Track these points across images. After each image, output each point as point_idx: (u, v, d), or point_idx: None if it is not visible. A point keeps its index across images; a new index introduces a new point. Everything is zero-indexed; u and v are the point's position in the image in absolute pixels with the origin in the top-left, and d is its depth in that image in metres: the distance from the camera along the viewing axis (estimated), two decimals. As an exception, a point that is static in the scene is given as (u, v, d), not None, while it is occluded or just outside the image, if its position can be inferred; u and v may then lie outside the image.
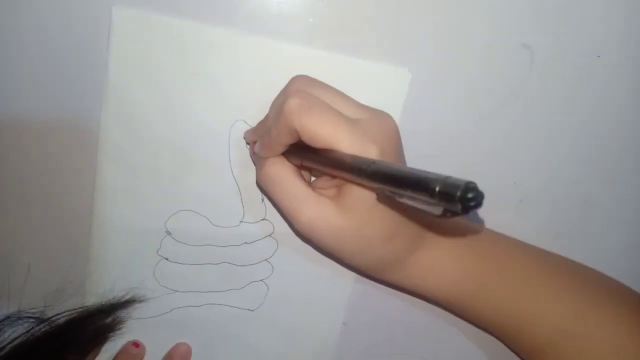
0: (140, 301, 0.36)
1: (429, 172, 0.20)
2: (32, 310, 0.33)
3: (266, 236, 0.36)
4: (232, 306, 0.37)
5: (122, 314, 0.35)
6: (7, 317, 0.33)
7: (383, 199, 0.27)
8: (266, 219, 0.35)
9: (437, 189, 0.19)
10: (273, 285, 0.37)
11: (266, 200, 0.35)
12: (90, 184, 0.34)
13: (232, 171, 0.34)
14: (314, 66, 0.32)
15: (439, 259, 0.31)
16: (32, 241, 0.35)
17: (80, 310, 0.34)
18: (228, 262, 0.36)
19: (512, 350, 0.36)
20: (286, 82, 0.32)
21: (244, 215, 0.35)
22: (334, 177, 0.29)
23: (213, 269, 0.36)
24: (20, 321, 0.33)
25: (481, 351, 0.40)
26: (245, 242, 0.36)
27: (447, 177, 0.19)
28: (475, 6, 0.33)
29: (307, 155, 0.28)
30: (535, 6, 0.33)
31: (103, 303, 0.35)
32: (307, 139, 0.27)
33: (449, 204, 0.19)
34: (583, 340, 0.32)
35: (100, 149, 0.33)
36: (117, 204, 0.34)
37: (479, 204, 0.18)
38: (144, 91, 0.32)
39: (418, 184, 0.20)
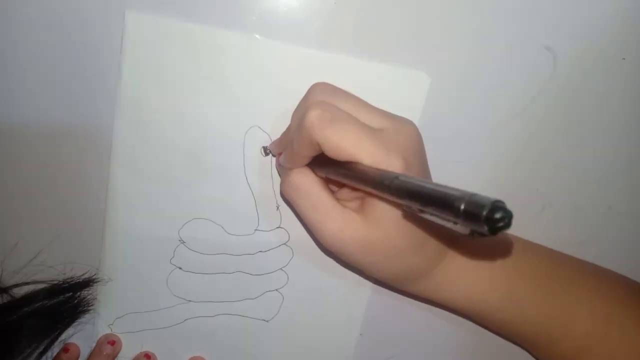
0: (97, 281, 0.35)
1: (453, 189, 0.19)
2: None
3: (281, 244, 0.35)
4: (246, 316, 0.36)
5: (84, 293, 0.34)
6: None
7: (407, 214, 0.26)
8: (281, 227, 0.34)
9: (462, 207, 0.18)
10: (288, 294, 0.36)
11: (281, 208, 0.34)
12: (103, 190, 0.33)
13: (246, 178, 0.33)
14: (330, 70, 0.32)
15: (465, 270, 0.31)
16: (45, 247, 0.34)
17: (39, 283, 0.33)
18: (242, 271, 0.35)
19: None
20: (301, 86, 0.31)
21: (258, 223, 0.34)
22: (356, 189, 0.28)
23: (227, 278, 0.35)
24: None
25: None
26: (260, 251, 0.35)
27: (473, 195, 0.18)
28: (495, 8, 0.32)
29: (330, 168, 0.27)
30: (557, 8, 0.32)
31: (63, 280, 0.34)
32: (329, 151, 0.26)
33: (474, 224, 0.18)
34: (616, 343, 0.31)
35: (113, 154, 0.32)
36: (130, 211, 0.33)
37: (507, 225, 0.17)
38: (157, 96, 0.31)
39: (442, 201, 0.19)
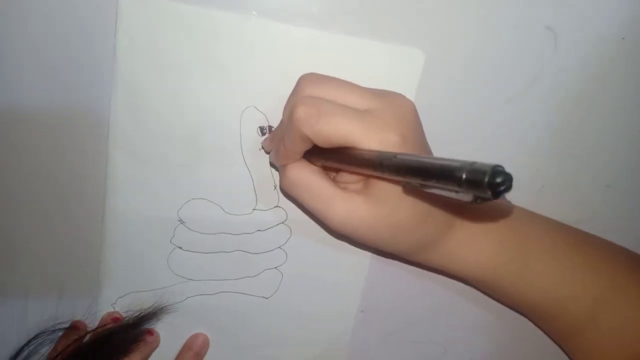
0: (168, 312, 0.36)
1: (453, 160, 0.20)
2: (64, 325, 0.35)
3: (279, 223, 0.35)
4: (246, 294, 0.37)
5: (150, 324, 0.36)
6: (43, 332, 0.34)
7: (409, 189, 0.26)
8: (279, 206, 0.35)
9: (464, 176, 0.18)
10: (287, 272, 0.37)
11: (279, 188, 0.34)
12: (101, 174, 0.33)
13: (244, 158, 0.34)
14: (325, 49, 0.31)
15: (473, 237, 0.31)
16: (44, 232, 0.35)
17: (111, 325, 0.35)
18: (242, 250, 0.36)
19: (547, 332, 0.36)
20: (295, 64, 0.31)
21: (256, 203, 0.35)
22: (357, 174, 0.28)
23: (227, 257, 0.36)
24: (54, 334, 0.35)
25: (501, 338, 0.39)
26: (259, 230, 0.35)
27: (473, 163, 0.18)
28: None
29: (327, 156, 0.27)
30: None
31: (132, 317, 0.35)
32: (322, 144, 0.26)
33: (477, 190, 0.18)
34: (624, 310, 0.32)
35: (111, 138, 0.32)
36: (129, 193, 0.34)
37: (508, 187, 0.18)
38: (153, 78, 0.31)
39: (443, 173, 0.20)
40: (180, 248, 0.35)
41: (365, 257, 0.37)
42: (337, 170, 0.30)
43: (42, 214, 0.35)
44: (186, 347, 0.37)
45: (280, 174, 0.30)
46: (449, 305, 0.38)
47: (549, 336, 0.37)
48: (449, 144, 0.34)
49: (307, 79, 0.28)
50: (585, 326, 0.33)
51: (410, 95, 0.33)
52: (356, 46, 0.32)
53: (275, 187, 0.34)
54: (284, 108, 0.30)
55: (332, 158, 0.27)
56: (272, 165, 0.34)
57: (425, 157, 0.21)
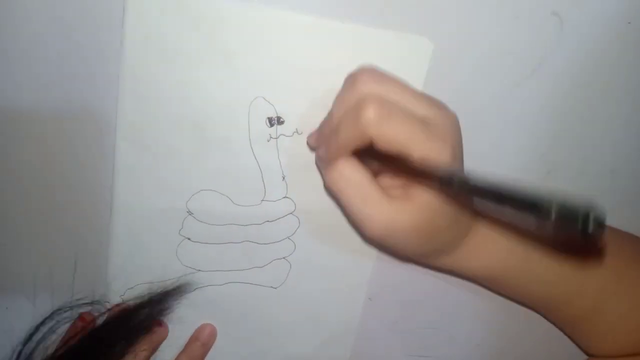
0: (191, 289, 0.36)
1: (537, 192, 0.19)
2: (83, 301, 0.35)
3: (288, 214, 0.35)
4: (255, 284, 0.37)
5: (172, 301, 0.36)
6: (59, 309, 0.35)
7: (445, 192, 0.27)
8: (287, 197, 0.35)
9: (553, 215, 0.17)
10: (295, 262, 0.37)
11: (287, 178, 0.34)
12: (109, 167, 0.33)
13: (252, 149, 0.33)
14: (332, 38, 0.31)
15: (487, 239, 0.32)
16: (52, 225, 0.35)
17: (133, 301, 0.35)
18: (250, 241, 0.36)
19: (555, 323, 0.36)
20: (303, 54, 0.31)
21: (265, 194, 0.34)
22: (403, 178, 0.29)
23: (235, 248, 0.36)
24: (71, 311, 0.35)
25: (507, 325, 0.40)
26: (267, 221, 0.35)
27: (564, 201, 0.18)
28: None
29: (383, 160, 0.28)
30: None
31: (153, 293, 0.35)
32: (381, 146, 0.26)
33: (566, 228, 0.17)
34: (628, 300, 0.33)
35: (119, 129, 0.32)
36: (137, 185, 0.33)
37: (602, 230, 0.17)
38: (160, 69, 0.31)
39: (526, 204, 0.19)
40: (189, 239, 0.35)
41: (372, 248, 0.37)
42: (377, 175, 0.30)
43: (50, 207, 0.34)
44: (194, 337, 0.38)
45: (325, 170, 0.29)
46: (455, 293, 0.38)
47: (555, 325, 0.37)
48: None
49: (369, 75, 0.27)
50: (590, 316, 0.33)
51: (419, 84, 0.33)
52: (364, 35, 0.31)
53: (284, 178, 0.34)
54: (337, 100, 0.29)
55: (387, 161, 0.27)
56: (316, 164, 0.34)
57: (502, 184, 0.21)
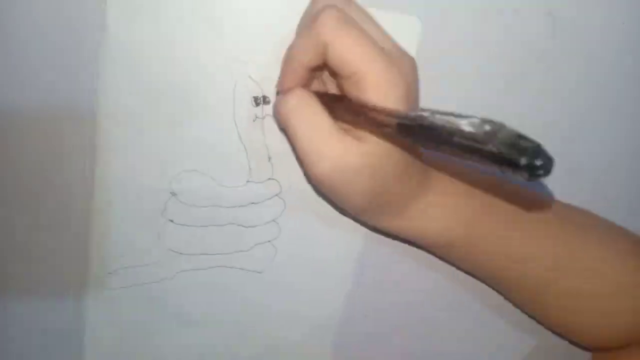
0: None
1: (465, 127, 0.18)
2: None
3: (274, 196, 0.35)
4: (239, 268, 0.36)
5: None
6: None
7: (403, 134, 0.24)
8: (273, 179, 0.34)
9: (499, 147, 0.17)
10: (281, 246, 0.36)
11: (273, 159, 0.34)
12: (90, 141, 0.32)
13: (237, 129, 0.33)
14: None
15: (437, 204, 0.30)
16: (32, 204, 0.34)
17: None
18: (234, 224, 0.35)
19: (511, 300, 0.36)
20: (293, 33, 0.30)
21: (250, 175, 0.34)
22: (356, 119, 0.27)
23: (219, 231, 0.35)
24: None
25: (498, 317, 0.40)
26: (252, 203, 0.35)
27: (513, 135, 0.17)
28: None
29: (335, 100, 0.26)
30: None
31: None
32: (334, 59, 0.25)
33: (512, 168, 0.17)
34: (581, 278, 0.32)
35: (99, 108, 0.31)
36: (120, 163, 0.33)
37: (547, 172, 0.17)
38: (145, 43, 0.30)
39: (472, 134, 0.18)
40: (172, 221, 0.34)
41: (359, 231, 0.36)
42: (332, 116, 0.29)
43: (29, 185, 0.33)
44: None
45: (277, 103, 0.28)
46: (440, 278, 0.38)
47: (512, 303, 0.37)
48: None
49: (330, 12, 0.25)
50: (545, 294, 0.33)
51: None
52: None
53: (270, 159, 0.34)
54: (300, 22, 0.28)
55: (339, 101, 0.26)
56: (279, 127, 0.32)
57: (457, 123, 0.19)
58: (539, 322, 0.37)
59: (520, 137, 0.17)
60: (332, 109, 0.27)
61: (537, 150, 0.17)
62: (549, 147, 0.35)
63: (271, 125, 0.33)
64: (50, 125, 0.32)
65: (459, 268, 0.36)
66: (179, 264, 0.36)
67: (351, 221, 0.36)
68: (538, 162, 0.16)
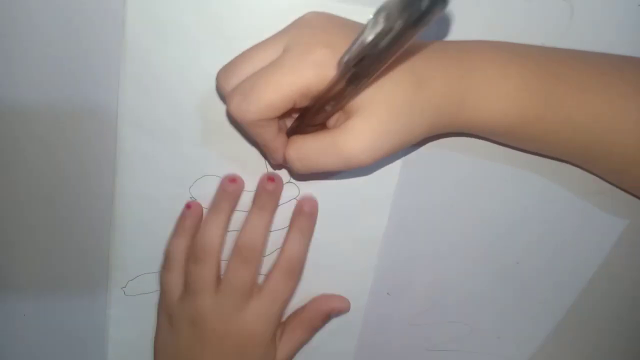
0: None
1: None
2: None
3: (292, 199, 0.35)
4: (260, 274, 0.36)
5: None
6: None
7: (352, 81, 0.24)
8: (291, 182, 0.35)
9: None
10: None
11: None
12: (111, 158, 0.33)
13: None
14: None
15: (493, 81, 0.28)
16: (54, 212, 0.34)
17: None
18: (254, 228, 0.35)
19: (598, 174, 0.33)
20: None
21: (268, 179, 0.34)
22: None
23: (239, 236, 0.35)
24: None
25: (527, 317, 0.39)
26: (271, 207, 0.35)
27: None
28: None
29: (303, 118, 0.28)
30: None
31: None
32: (273, 114, 0.26)
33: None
34: None
35: (120, 115, 0.32)
36: (139, 171, 0.33)
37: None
38: (162, 53, 0.31)
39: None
40: (192, 227, 0.35)
41: (377, 234, 0.36)
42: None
43: (52, 193, 0.34)
44: (297, 210, 0.35)
45: (289, 165, 0.29)
46: (475, 283, 0.38)
47: (602, 178, 0.34)
48: None
49: (220, 74, 0.28)
50: (637, 159, 0.29)
51: None
52: (364, 16, 0.32)
53: (287, 162, 0.34)
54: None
55: (308, 117, 0.27)
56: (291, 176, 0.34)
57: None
58: (627, 190, 0.34)
59: None
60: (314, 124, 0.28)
61: None
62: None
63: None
64: (72, 132, 0.33)
65: (536, 150, 0.33)
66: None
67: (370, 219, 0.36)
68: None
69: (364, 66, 0.22)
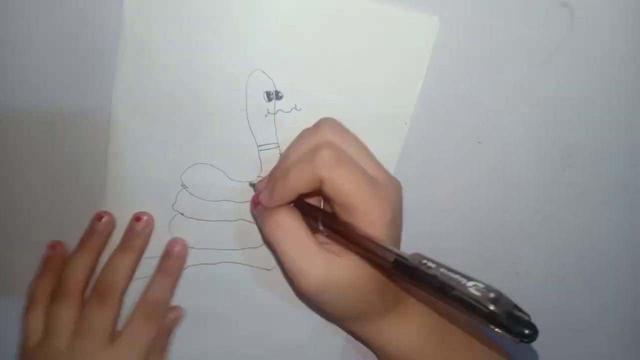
0: None
1: (472, 290, 0.22)
2: None
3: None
4: (248, 265, 0.36)
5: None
6: None
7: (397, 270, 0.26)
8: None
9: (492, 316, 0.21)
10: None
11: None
12: (104, 134, 0.33)
13: (249, 124, 0.33)
14: (338, 11, 0.31)
15: (407, 325, 0.32)
16: (46, 193, 0.35)
17: None
18: (244, 220, 0.35)
19: None
20: (307, 29, 0.31)
21: (261, 170, 0.34)
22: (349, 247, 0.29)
23: (229, 226, 0.35)
24: None
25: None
26: (263, 199, 0.34)
27: (507, 309, 0.21)
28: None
29: (326, 220, 0.29)
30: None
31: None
32: (329, 190, 0.27)
33: (501, 328, 0.21)
34: None
35: (115, 98, 0.32)
36: (132, 155, 0.33)
37: (533, 339, 0.20)
38: (160, 37, 0.31)
39: (466, 304, 0.22)
40: (182, 214, 0.35)
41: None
42: (314, 231, 0.30)
43: (42, 175, 0.34)
44: (166, 252, 0.35)
45: (265, 217, 0.30)
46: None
47: None
48: (460, 127, 0.34)
49: (330, 126, 0.29)
50: None
51: (424, 62, 0.32)
52: (370, 9, 0.31)
53: (281, 154, 0.34)
54: (295, 144, 0.30)
55: (329, 224, 0.29)
56: (251, 213, 0.34)
57: (446, 279, 0.22)
58: None
59: (516, 307, 0.21)
60: (315, 218, 0.29)
61: (528, 322, 0.20)
62: (574, 143, 0.34)
63: (282, 120, 0.33)
64: (64, 120, 0.33)
65: None
66: (188, 258, 0.36)
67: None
68: (528, 332, 0.20)
69: (418, 276, 0.24)
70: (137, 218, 0.34)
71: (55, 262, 0.34)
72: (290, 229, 0.29)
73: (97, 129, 0.33)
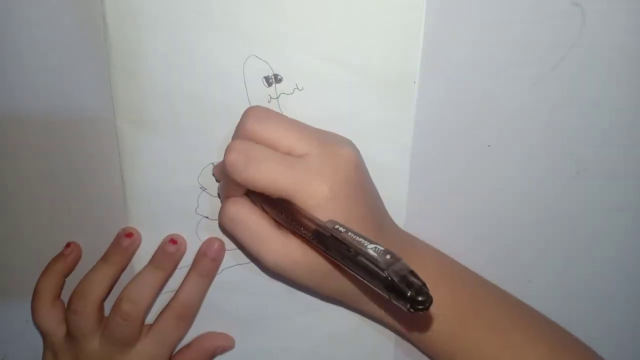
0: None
1: (371, 251, 0.21)
2: None
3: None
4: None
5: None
6: None
7: (316, 240, 0.26)
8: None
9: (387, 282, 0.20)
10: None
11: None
12: (115, 151, 0.33)
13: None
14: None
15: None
16: (68, 214, 0.35)
17: None
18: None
19: None
20: (294, 6, 0.30)
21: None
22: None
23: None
24: None
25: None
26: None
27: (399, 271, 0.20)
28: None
29: (268, 204, 0.28)
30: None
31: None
32: (253, 189, 0.27)
33: (396, 298, 0.20)
34: None
35: (117, 111, 0.32)
36: (145, 166, 0.33)
37: (425, 308, 0.19)
38: (146, 42, 0.30)
39: (367, 272, 0.21)
40: (207, 217, 0.34)
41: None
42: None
43: (64, 198, 0.35)
44: (201, 253, 0.35)
45: (220, 211, 0.30)
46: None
47: None
48: (470, 130, 0.32)
49: (252, 114, 0.28)
50: None
51: (418, 34, 0.30)
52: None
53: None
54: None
55: (271, 205, 0.28)
56: (219, 195, 0.33)
57: (356, 240, 0.22)
58: None
59: (412, 273, 0.20)
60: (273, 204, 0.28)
61: (422, 289, 0.20)
62: (587, 147, 0.32)
63: (288, 103, 0.32)
64: (65, 120, 0.33)
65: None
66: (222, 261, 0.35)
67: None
68: (420, 298, 0.19)
69: (333, 245, 0.23)
70: (171, 240, 0.34)
71: (66, 264, 0.35)
72: (239, 218, 0.28)
73: (97, 128, 0.33)
